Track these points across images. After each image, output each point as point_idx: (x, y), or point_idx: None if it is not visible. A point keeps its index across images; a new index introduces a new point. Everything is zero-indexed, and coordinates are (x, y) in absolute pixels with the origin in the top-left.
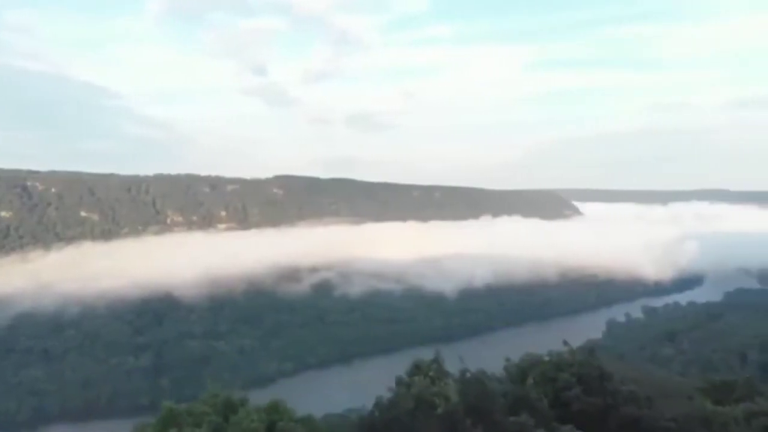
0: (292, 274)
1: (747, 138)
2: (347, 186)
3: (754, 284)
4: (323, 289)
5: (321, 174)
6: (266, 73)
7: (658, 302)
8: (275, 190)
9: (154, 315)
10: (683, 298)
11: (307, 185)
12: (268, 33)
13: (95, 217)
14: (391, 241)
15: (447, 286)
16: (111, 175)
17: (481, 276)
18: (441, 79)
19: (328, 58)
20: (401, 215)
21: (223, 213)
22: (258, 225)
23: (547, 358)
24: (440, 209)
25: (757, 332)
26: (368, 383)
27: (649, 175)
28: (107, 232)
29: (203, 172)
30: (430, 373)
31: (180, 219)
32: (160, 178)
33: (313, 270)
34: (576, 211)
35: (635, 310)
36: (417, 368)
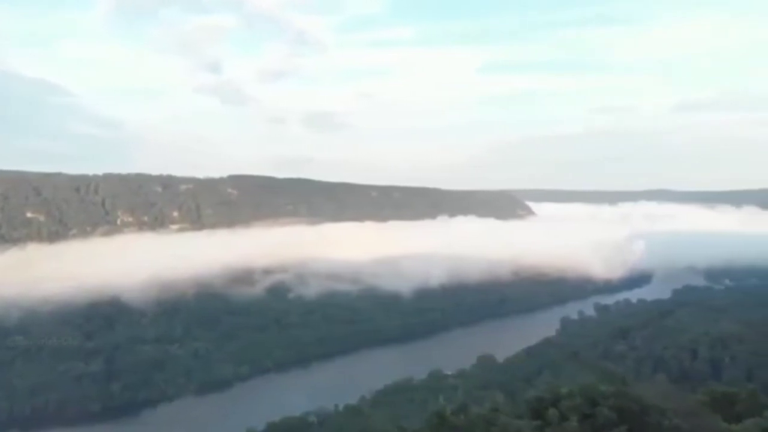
0: (247, 276)
1: (690, 140)
2: (304, 186)
3: (701, 281)
4: (279, 290)
5: (277, 174)
6: (221, 71)
7: (610, 300)
8: (230, 190)
9: (105, 319)
10: (633, 295)
11: (263, 185)
12: (222, 30)
13: (41, 217)
14: (348, 242)
15: (404, 285)
16: (58, 175)
17: (438, 275)
18: (398, 80)
19: (285, 57)
20: (359, 215)
21: (176, 213)
22: (212, 225)
23: (565, 390)
24: (398, 209)
25: (707, 329)
26: (327, 386)
27: (598, 176)
28: (54, 234)
29: (155, 172)
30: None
31: (130, 219)
32: (109, 178)
33: (270, 271)
34: (529, 211)
35: (588, 307)
36: (440, 418)
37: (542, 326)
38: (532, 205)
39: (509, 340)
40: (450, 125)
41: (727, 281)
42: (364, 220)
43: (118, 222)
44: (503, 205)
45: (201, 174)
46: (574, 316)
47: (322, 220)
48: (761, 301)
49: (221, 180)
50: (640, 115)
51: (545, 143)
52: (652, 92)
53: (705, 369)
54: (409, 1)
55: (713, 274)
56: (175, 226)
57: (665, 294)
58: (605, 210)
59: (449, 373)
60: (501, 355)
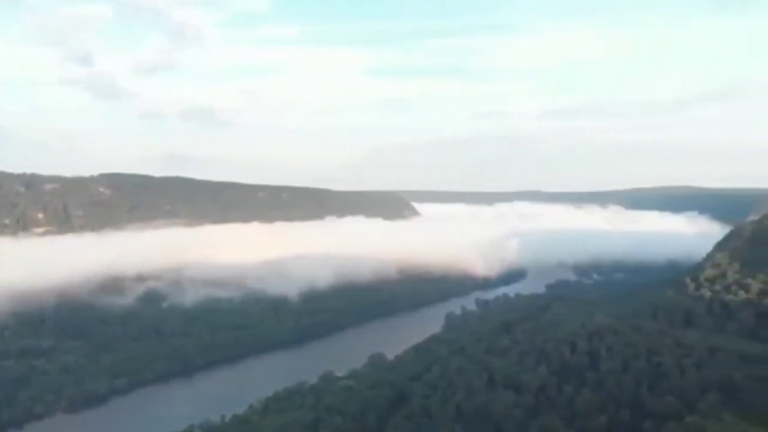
0: (119, 283)
1: (560, 144)
2: (185, 185)
3: (571, 276)
4: (154, 297)
5: (155, 172)
6: (93, 63)
7: (490, 295)
8: (102, 190)
9: None
10: (510, 290)
11: (139, 184)
12: (95, 20)
13: None
14: (232, 244)
15: (293, 287)
16: None
17: (327, 276)
18: (284, 79)
19: (164, 50)
20: (245, 216)
21: (41, 215)
22: (82, 228)
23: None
24: (287, 210)
25: (583, 322)
26: (213, 396)
27: (477, 178)
28: None
29: (17, 170)
30: None
31: None
32: None
33: (144, 278)
34: (414, 212)
35: (470, 303)
36: None
37: (429, 323)
38: (417, 205)
39: (399, 337)
40: (338, 126)
41: (595, 276)
42: (250, 221)
43: None
44: (390, 205)
45: (69, 172)
46: (458, 311)
47: (203, 222)
48: (627, 294)
49: (92, 179)
50: (514, 120)
51: (428, 146)
52: (526, 99)
53: (584, 361)
54: (294, 0)
55: (582, 269)
56: (39, 230)
57: (539, 288)
58: (484, 210)
59: (341, 374)
60: (391, 353)
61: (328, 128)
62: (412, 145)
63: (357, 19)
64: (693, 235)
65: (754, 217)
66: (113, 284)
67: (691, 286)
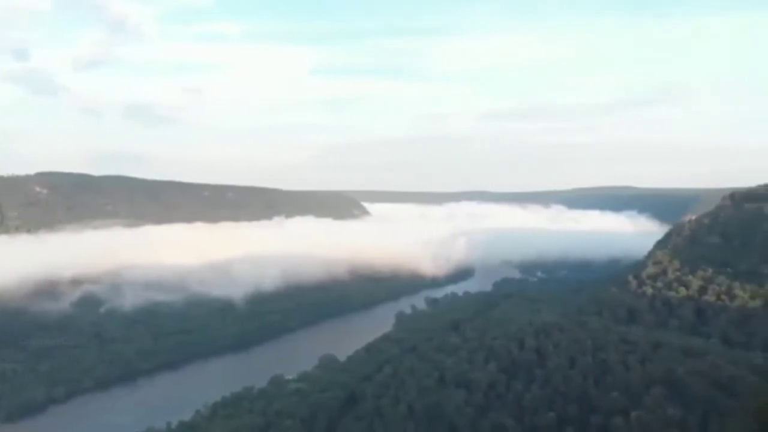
0: (58, 287)
1: (503, 145)
2: (125, 184)
3: (516, 274)
4: (97, 301)
5: (94, 171)
6: (28, 58)
7: (439, 293)
8: (38, 189)
9: None
10: (459, 288)
11: (77, 183)
12: (30, 13)
13: None
14: (175, 245)
15: (239, 290)
16: None
17: (274, 277)
18: (228, 77)
19: (103, 45)
20: (188, 216)
21: None
22: (17, 229)
23: None
24: (233, 210)
25: (531, 319)
26: (158, 402)
27: (425, 178)
28: None
29: None
30: None
31: None
32: None
33: (80, 281)
34: (364, 211)
35: (419, 301)
36: None
37: (379, 322)
38: (367, 205)
39: (350, 337)
40: (285, 125)
41: (539, 273)
42: (194, 221)
43: None
44: (340, 205)
45: (4, 171)
46: (408, 310)
47: (144, 222)
48: (571, 291)
49: (28, 178)
50: (459, 121)
51: (376, 146)
52: (469, 100)
53: (532, 357)
54: None
55: (527, 267)
56: None
57: (486, 286)
58: (432, 210)
59: (291, 377)
60: (342, 353)
61: (275, 127)
62: (361, 144)
63: (301, 18)
64: (632, 233)
65: (690, 216)
66: (50, 288)
67: (634, 283)
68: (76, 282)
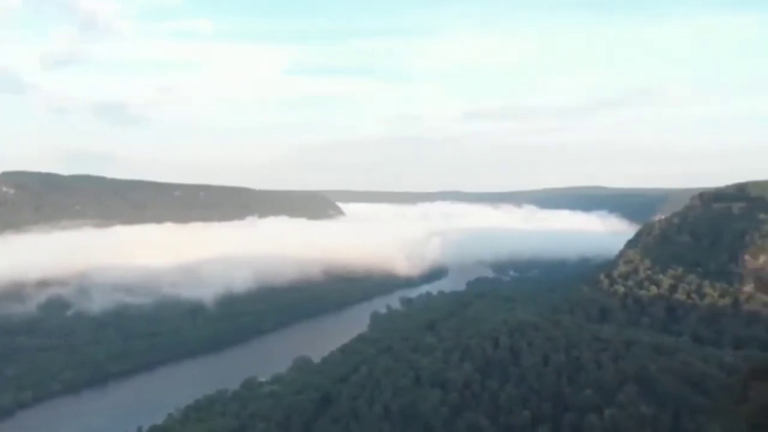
0: (25, 289)
1: (477, 146)
2: (94, 184)
3: (490, 273)
4: (64, 304)
5: (62, 170)
6: None
7: (413, 293)
8: (5, 189)
9: None
10: (433, 288)
11: (45, 183)
12: None
13: None
14: (145, 246)
15: (210, 291)
16: None
17: (247, 278)
18: (202, 76)
19: (73, 42)
20: (159, 216)
21: None
22: None
23: None
24: (205, 210)
25: (505, 318)
26: (129, 406)
27: (400, 178)
28: None
29: None
30: None
31: None
32: None
33: (47, 283)
34: (339, 211)
35: (394, 301)
36: None
37: (354, 322)
38: (341, 205)
39: (324, 338)
40: (259, 125)
41: (512, 272)
42: (164, 222)
43: None
44: (314, 205)
45: None
46: (383, 310)
47: (114, 222)
48: (544, 290)
49: None
50: (433, 122)
51: (351, 146)
52: (444, 101)
53: (506, 356)
54: None
55: (500, 266)
56: None
57: (460, 286)
58: (407, 210)
59: (264, 379)
60: (317, 355)
61: (249, 127)
62: (336, 145)
63: (276, 17)
64: (603, 232)
65: (660, 216)
66: (16, 290)
67: (606, 282)
68: (43, 284)
